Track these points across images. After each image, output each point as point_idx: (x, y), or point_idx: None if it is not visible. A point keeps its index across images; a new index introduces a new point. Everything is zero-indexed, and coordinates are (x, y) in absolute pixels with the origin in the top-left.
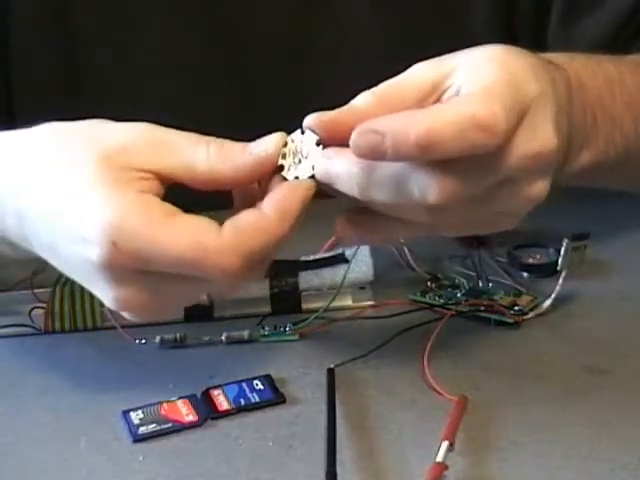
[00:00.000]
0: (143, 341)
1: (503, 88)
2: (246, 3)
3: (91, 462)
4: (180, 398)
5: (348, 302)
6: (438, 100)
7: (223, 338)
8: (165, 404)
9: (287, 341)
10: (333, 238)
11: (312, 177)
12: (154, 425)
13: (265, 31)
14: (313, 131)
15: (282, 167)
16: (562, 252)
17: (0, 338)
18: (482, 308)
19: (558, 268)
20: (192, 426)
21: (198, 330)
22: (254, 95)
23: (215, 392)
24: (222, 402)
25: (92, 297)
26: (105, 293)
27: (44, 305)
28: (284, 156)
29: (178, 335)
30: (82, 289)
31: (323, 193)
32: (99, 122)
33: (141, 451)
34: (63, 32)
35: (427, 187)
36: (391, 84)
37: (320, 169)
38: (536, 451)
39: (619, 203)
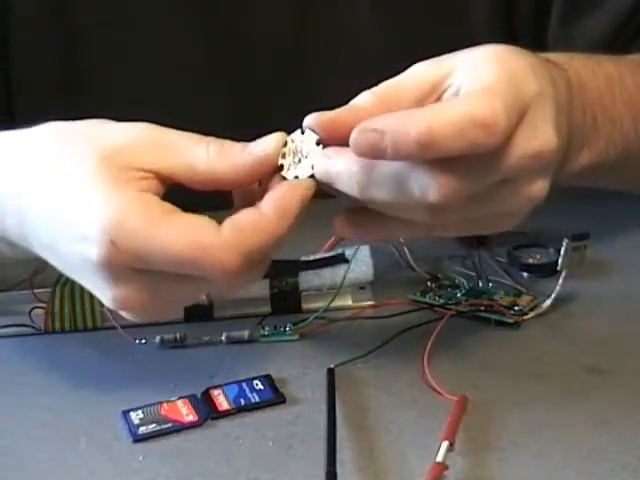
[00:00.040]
0: (143, 341)
1: (503, 87)
2: (246, 3)
3: (91, 462)
4: (180, 398)
5: (348, 302)
6: (438, 100)
7: (223, 338)
8: (165, 404)
9: (287, 341)
10: (333, 238)
11: (312, 176)
12: (154, 425)
13: (265, 31)
14: (313, 131)
15: (282, 167)
16: (562, 252)
17: (0, 338)
18: (482, 308)
19: (558, 268)
20: (192, 426)
21: (198, 330)
22: (254, 95)
23: (215, 392)
24: (222, 402)
25: (92, 297)
26: (104, 292)
27: (44, 305)
28: (284, 156)
29: (178, 335)
30: (82, 289)
31: (323, 193)
32: (99, 122)
33: (141, 451)
34: (63, 32)
35: (427, 186)
36: (391, 84)
37: (320, 168)
38: (536, 451)
39: (619, 203)
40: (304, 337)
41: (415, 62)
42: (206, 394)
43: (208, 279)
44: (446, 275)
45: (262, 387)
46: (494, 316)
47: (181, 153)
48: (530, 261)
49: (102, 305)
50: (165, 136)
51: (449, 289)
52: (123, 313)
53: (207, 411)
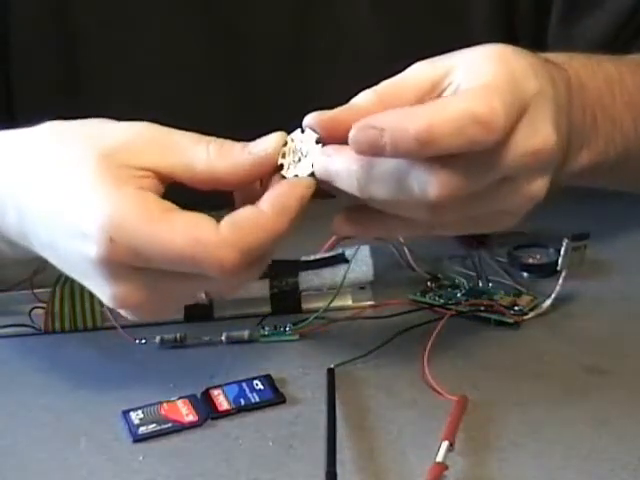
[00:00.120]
0: (143, 341)
1: (502, 85)
2: (246, 3)
3: (91, 462)
4: (180, 398)
5: (348, 302)
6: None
7: (223, 338)
8: (165, 404)
9: (287, 341)
10: (333, 238)
11: (312, 175)
12: (154, 425)
13: (265, 31)
14: (313, 129)
15: (282, 166)
16: (562, 252)
17: (0, 338)
18: (482, 308)
19: (558, 268)
20: (192, 426)
21: (198, 330)
22: (254, 95)
23: (215, 392)
24: (222, 402)
25: (92, 297)
26: (103, 290)
27: (44, 305)
28: (284, 155)
29: (178, 335)
30: (82, 289)
31: (323, 193)
32: (99, 121)
33: (141, 451)
34: (63, 32)
35: (427, 183)
36: (390, 83)
37: (319, 166)
38: (536, 451)
39: (619, 203)
40: (304, 337)
41: (415, 62)
42: (206, 394)
43: (207, 277)
44: (446, 275)
45: (262, 387)
46: (494, 316)
47: (181, 152)
48: (530, 261)
49: (102, 305)
50: (165, 135)
51: (449, 289)
52: (122, 311)
53: (207, 411)
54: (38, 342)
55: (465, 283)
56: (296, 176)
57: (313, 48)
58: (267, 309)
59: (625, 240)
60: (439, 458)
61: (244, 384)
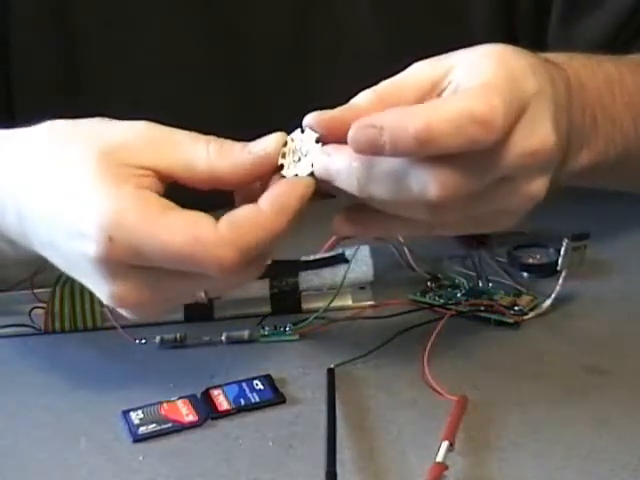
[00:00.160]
0: (143, 341)
1: (502, 84)
2: (246, 3)
3: (91, 462)
4: (180, 398)
5: (348, 302)
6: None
7: (223, 338)
8: (165, 404)
9: (287, 341)
10: (333, 238)
11: (311, 174)
12: (154, 425)
13: (265, 31)
14: (313, 129)
15: (282, 166)
16: (562, 252)
17: (0, 338)
18: (482, 308)
19: (558, 268)
20: (192, 426)
21: (198, 330)
22: (254, 95)
23: (215, 392)
24: (222, 402)
25: (92, 297)
26: (102, 289)
27: (44, 305)
28: (284, 155)
29: (178, 335)
30: (82, 289)
31: (323, 193)
32: (99, 120)
33: (141, 451)
34: (63, 32)
35: (426, 183)
36: (390, 83)
37: (319, 166)
38: (536, 451)
39: (619, 203)
40: (304, 337)
41: (415, 62)
42: (206, 394)
43: (206, 276)
44: (446, 275)
45: (262, 387)
46: (494, 316)
47: (181, 151)
48: (530, 261)
49: (102, 305)
50: (165, 134)
51: (449, 289)
52: (121, 310)
53: (207, 411)
54: (38, 342)
55: (465, 283)
56: (296, 175)
57: (313, 48)
58: (267, 309)
59: (625, 240)
60: (439, 458)
61: (244, 384)
